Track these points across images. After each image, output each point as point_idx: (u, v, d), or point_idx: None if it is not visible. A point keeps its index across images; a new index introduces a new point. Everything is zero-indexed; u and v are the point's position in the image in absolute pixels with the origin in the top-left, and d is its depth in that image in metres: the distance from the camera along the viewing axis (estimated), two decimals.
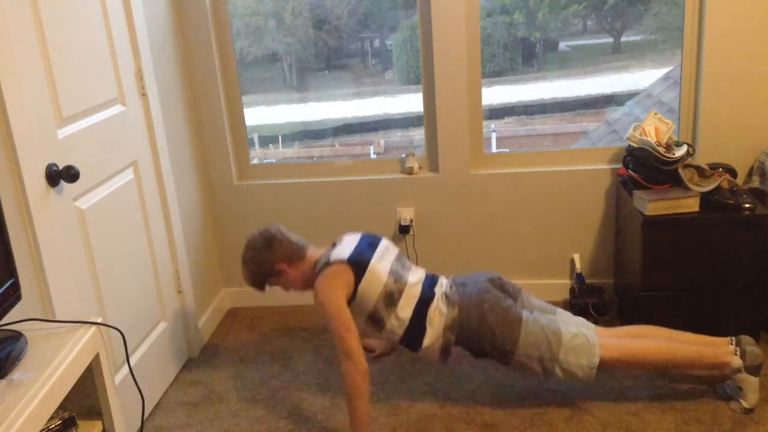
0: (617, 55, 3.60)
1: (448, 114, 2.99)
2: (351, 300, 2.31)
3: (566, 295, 3.13)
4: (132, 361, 2.48)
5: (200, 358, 2.97)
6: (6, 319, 1.56)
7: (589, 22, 3.59)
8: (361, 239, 2.44)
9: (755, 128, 2.80)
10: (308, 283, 2.45)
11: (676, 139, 2.78)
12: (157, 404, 2.65)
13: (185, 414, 2.57)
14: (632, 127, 2.76)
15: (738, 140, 2.82)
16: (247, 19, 3.37)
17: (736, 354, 2.26)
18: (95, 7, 2.29)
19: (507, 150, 3.65)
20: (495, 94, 3.63)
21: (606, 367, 2.26)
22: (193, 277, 3.03)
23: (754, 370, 2.25)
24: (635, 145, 2.68)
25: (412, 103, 3.29)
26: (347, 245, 2.39)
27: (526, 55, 3.65)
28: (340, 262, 2.31)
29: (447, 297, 2.36)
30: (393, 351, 2.81)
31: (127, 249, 2.45)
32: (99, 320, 1.60)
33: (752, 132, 2.80)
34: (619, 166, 2.91)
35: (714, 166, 2.69)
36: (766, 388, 2.37)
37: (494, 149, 3.85)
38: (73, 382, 1.46)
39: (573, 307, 2.97)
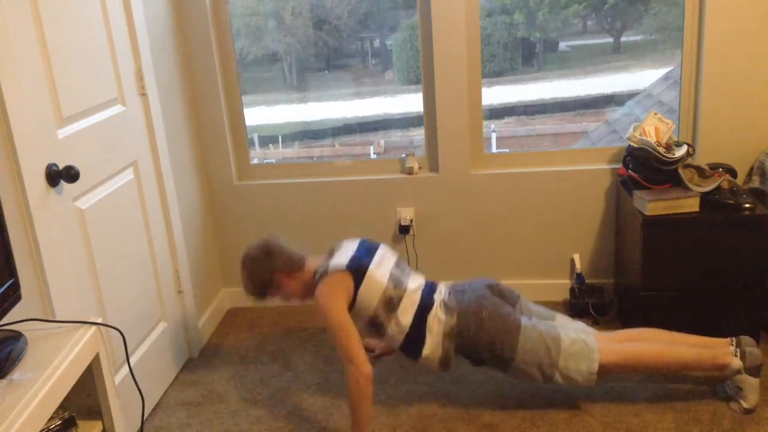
0: (617, 55, 3.60)
1: (448, 114, 2.99)
2: (351, 306, 2.31)
3: (566, 295, 3.13)
4: (132, 361, 2.48)
5: (200, 358, 2.97)
6: (6, 319, 1.56)
7: (589, 22, 3.59)
8: (360, 245, 2.44)
9: (755, 128, 2.80)
10: (308, 292, 2.45)
11: (676, 139, 2.78)
12: (157, 404, 2.65)
13: (185, 414, 2.57)
14: (632, 127, 2.76)
15: (738, 140, 2.82)
16: (247, 19, 3.37)
17: (736, 355, 2.26)
18: (95, 7, 2.29)
19: (507, 150, 3.64)
20: (495, 94, 3.62)
21: (605, 371, 2.25)
22: (193, 277, 3.03)
23: (754, 371, 2.25)
24: (635, 145, 2.68)
25: (412, 103, 3.28)
26: (345, 252, 2.39)
27: (526, 55, 3.64)
28: (339, 269, 2.31)
29: (445, 304, 2.36)
30: (393, 351, 2.80)
31: (127, 249, 2.45)
32: (99, 320, 1.61)
33: (752, 132, 2.80)
34: (619, 166, 2.91)
35: (714, 166, 2.69)
36: (767, 388, 2.37)
37: (494, 149, 3.85)
38: (73, 382, 1.46)
39: (573, 307, 2.97)
